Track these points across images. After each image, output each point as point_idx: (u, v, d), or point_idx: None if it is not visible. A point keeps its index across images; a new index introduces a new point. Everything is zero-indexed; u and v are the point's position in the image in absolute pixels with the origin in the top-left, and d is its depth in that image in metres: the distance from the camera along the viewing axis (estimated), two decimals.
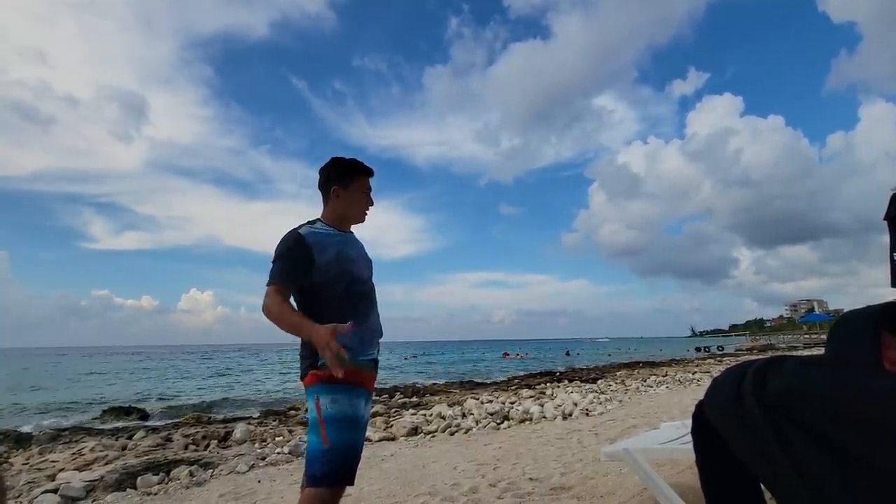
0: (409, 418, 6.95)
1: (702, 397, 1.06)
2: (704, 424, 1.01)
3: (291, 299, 1.72)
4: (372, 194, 1.93)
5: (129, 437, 6.75)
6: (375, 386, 2.00)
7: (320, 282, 1.72)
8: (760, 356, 0.98)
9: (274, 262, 1.70)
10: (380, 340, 1.90)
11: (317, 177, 1.91)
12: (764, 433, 0.79)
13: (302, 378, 1.74)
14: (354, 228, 1.97)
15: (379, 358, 1.90)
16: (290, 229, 1.78)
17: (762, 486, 0.98)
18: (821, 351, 0.92)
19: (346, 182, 1.85)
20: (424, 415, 7.37)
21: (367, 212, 1.93)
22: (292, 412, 9.19)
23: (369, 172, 1.90)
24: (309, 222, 1.84)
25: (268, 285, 1.67)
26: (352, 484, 1.69)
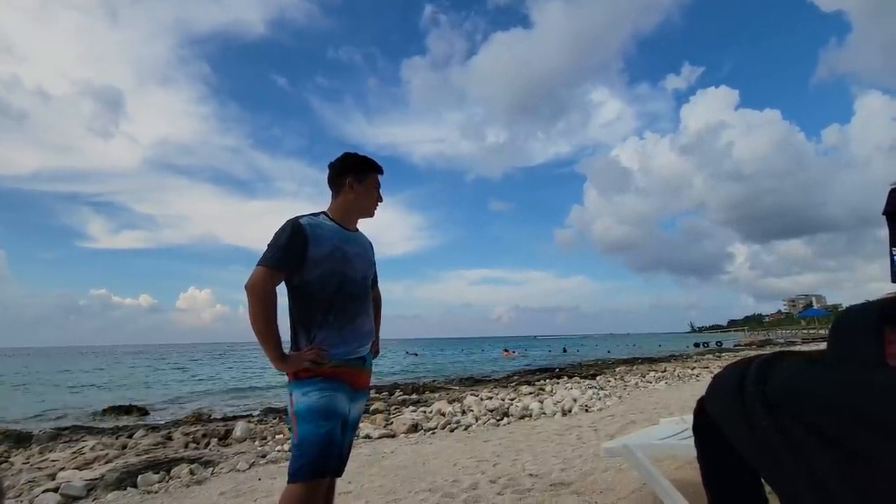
0: (408, 415, 6.97)
1: (701, 393, 1.06)
2: (706, 420, 1.01)
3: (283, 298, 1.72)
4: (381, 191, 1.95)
5: (130, 436, 6.76)
6: (376, 383, 2.00)
7: (310, 279, 1.70)
8: (759, 352, 0.98)
9: (269, 245, 1.70)
10: (371, 341, 1.88)
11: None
12: (766, 430, 0.79)
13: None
14: (363, 225, 1.96)
15: (367, 356, 1.86)
16: (290, 217, 1.77)
17: (764, 482, 0.98)
18: (819, 346, 0.92)
19: (361, 176, 1.86)
20: (424, 412, 7.40)
21: (376, 207, 1.94)
22: None
23: (380, 169, 1.93)
24: (313, 214, 1.82)
25: (258, 265, 1.67)
26: (325, 477, 1.64)
